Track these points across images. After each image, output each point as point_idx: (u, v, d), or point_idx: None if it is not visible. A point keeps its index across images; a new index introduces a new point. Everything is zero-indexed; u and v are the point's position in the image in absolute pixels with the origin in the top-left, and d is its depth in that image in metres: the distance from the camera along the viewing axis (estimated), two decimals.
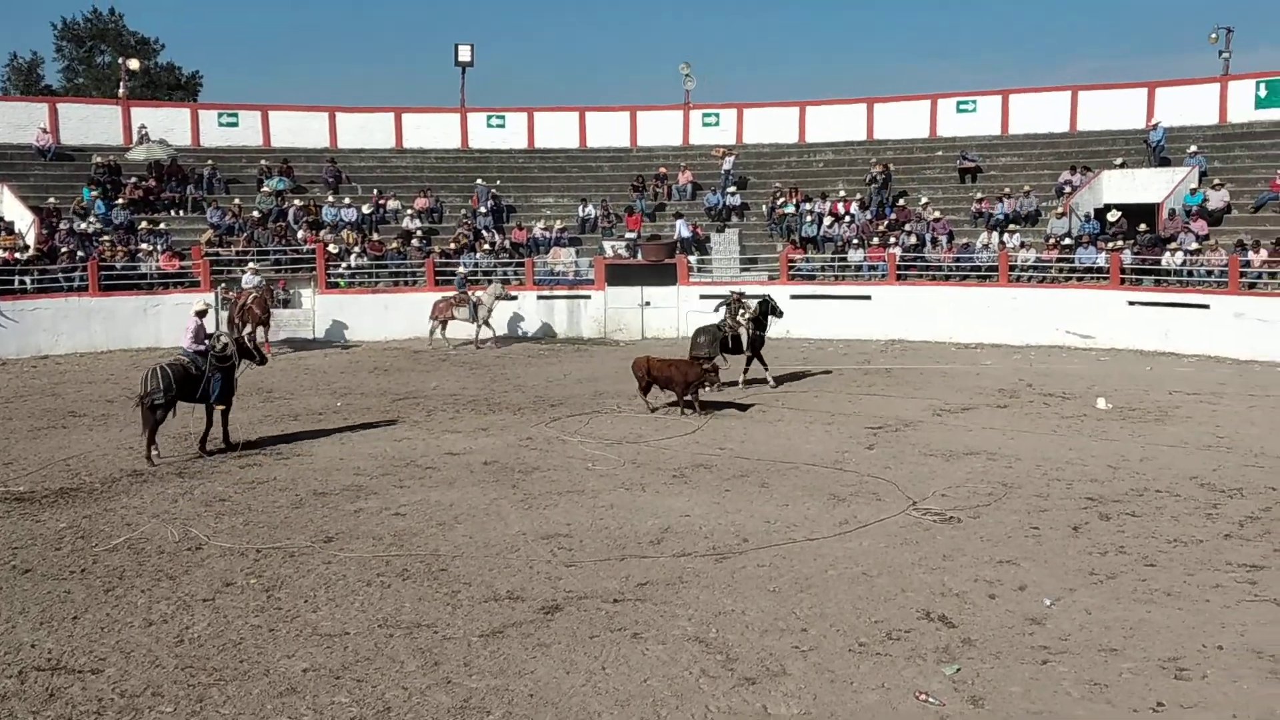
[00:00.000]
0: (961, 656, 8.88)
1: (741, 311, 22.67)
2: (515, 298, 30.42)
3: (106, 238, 30.96)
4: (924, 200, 33.43)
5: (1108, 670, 8.63)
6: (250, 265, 30.18)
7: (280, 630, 9.57)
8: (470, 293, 29.95)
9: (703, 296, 23.91)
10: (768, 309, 23.25)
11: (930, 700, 8.12)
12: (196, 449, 16.64)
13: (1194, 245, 27.94)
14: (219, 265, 31.16)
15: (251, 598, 10.37)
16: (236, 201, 33.92)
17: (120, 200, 32.91)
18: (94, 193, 33.23)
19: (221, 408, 16.93)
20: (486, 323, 29.68)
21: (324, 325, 31.17)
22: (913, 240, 31.80)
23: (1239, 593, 10.32)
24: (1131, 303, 27.60)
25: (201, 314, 17.43)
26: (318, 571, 11.15)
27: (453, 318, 29.70)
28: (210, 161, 35.73)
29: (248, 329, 26.35)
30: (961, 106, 37.67)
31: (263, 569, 11.24)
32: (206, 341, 16.94)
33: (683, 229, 33.60)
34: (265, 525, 12.86)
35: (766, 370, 22.71)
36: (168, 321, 29.56)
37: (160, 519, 13.09)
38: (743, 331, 22.47)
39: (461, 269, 31.43)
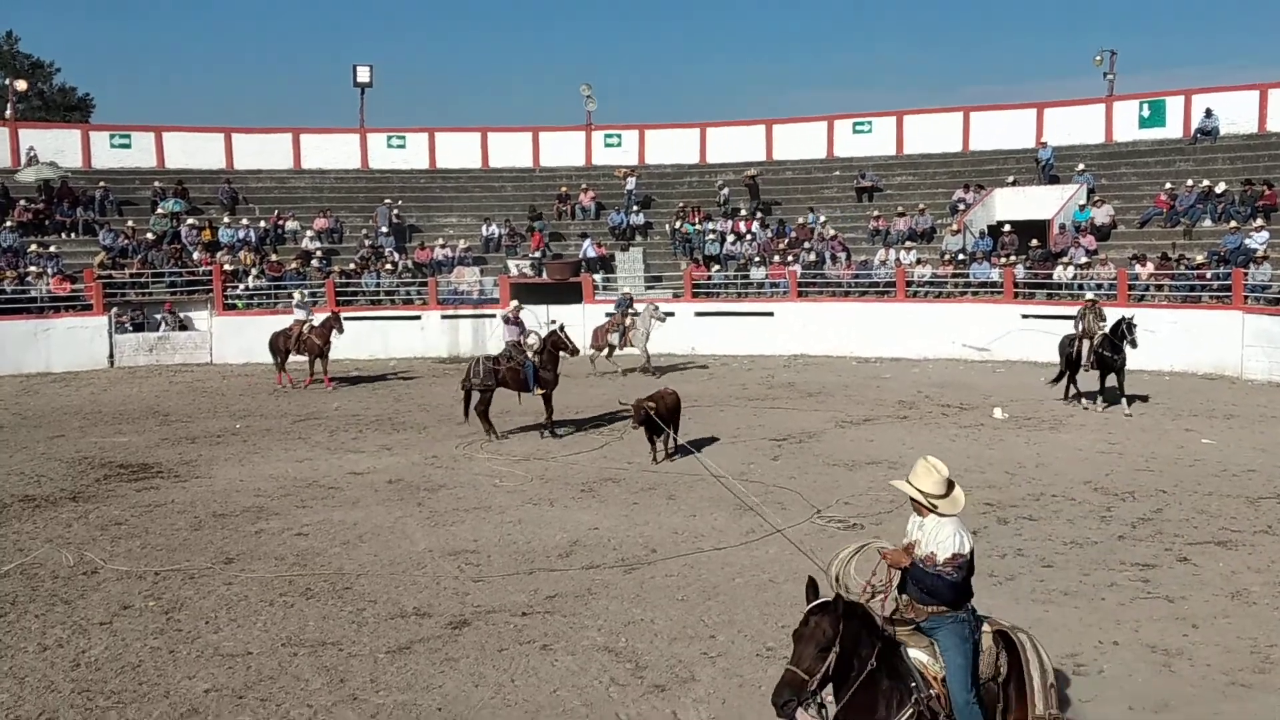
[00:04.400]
0: None
1: (1099, 321, 21.00)
2: (664, 320, 27.77)
3: None
4: (822, 219, 33.92)
5: None
6: (297, 295, 28.71)
7: (180, 652, 9.37)
8: (634, 310, 28.17)
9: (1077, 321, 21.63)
10: (1120, 331, 20.76)
11: None
12: (547, 434, 18.96)
13: (1084, 259, 28.76)
14: (112, 288, 30.45)
15: (150, 620, 10.14)
16: (130, 223, 33.20)
17: (9, 223, 32.00)
18: None
19: (541, 393, 19.07)
20: (645, 346, 27.59)
21: (221, 347, 30.68)
22: (812, 258, 32.24)
23: (1132, 591, 10.63)
24: (1025, 316, 28.27)
25: (517, 310, 20.26)
26: (219, 593, 10.94)
27: (610, 344, 28.04)
28: (102, 183, 34.93)
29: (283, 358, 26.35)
30: (858, 127, 38.40)
31: (161, 591, 10.99)
32: (520, 336, 19.62)
33: (589, 249, 33.68)
34: (164, 548, 12.58)
35: (1124, 396, 20.75)
36: (59, 345, 29.01)
37: (54, 544, 12.75)
38: (1086, 343, 20.94)
39: (624, 290, 30.14)
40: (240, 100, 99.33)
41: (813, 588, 5.98)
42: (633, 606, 10.36)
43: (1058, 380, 21.78)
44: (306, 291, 29.12)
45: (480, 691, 8.51)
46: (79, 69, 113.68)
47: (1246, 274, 25.30)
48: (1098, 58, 36.34)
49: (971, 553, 6.33)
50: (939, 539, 6.32)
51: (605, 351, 27.87)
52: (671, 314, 28.44)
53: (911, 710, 5.97)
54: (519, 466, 16.76)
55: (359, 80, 40.29)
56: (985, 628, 6.42)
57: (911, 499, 6.49)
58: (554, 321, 20.52)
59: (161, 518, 13.94)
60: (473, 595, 10.78)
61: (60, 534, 13.21)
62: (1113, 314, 21.55)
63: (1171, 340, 25.53)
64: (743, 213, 35.32)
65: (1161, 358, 25.54)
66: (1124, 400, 20.63)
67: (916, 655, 6.20)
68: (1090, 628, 9.66)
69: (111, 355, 29.82)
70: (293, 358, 26.50)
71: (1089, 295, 22.83)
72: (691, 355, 30.40)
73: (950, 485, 6.46)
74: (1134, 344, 20.70)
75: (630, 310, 28.03)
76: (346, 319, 30.49)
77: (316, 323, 26.51)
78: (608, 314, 28.91)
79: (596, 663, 9.01)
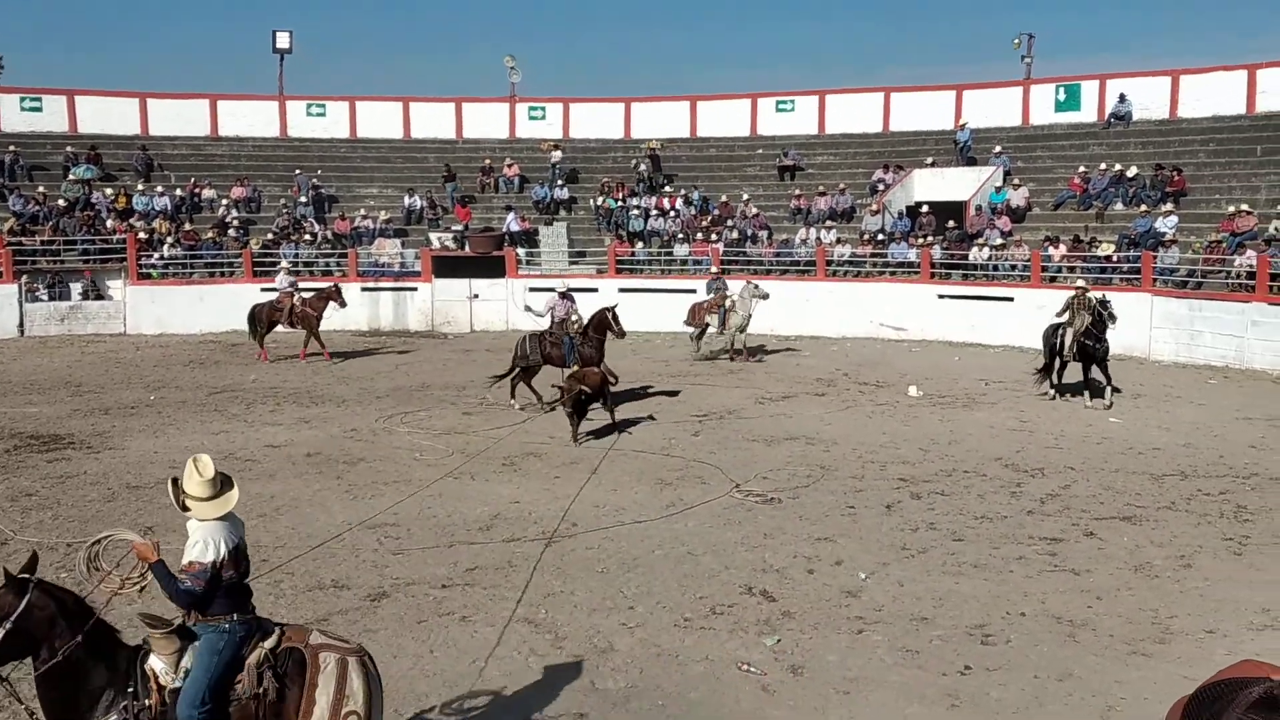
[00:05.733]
0: (782, 628, 9.18)
1: (1082, 309, 19.63)
2: (767, 297, 25.38)
3: None
4: (745, 196, 34.11)
5: (919, 638, 9.05)
6: (284, 265, 27.81)
7: None
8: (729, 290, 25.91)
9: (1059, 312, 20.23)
10: (1099, 315, 19.58)
11: (752, 670, 8.38)
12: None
13: (999, 241, 29.28)
14: (22, 255, 29.72)
15: None
16: (41, 189, 32.38)
17: None
18: None
19: (575, 368, 18.31)
20: (743, 329, 25.31)
21: (135, 317, 30.12)
22: (735, 235, 32.43)
23: (1040, 564, 10.93)
24: (941, 296, 28.77)
25: (563, 294, 20.04)
26: (133, 564, 10.77)
27: (708, 324, 25.78)
28: (12, 148, 34.01)
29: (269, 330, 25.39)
30: (780, 106, 38.61)
31: (74, 564, 10.78)
32: (568, 313, 19.69)
33: (512, 222, 33.52)
34: (76, 519, 12.39)
35: (1108, 386, 19.64)
36: None
37: None
38: (1069, 333, 19.67)
39: (714, 269, 28.21)
40: (156, 64, 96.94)
41: (33, 561, 5.83)
42: (553, 579, 10.43)
43: (1043, 372, 20.33)
44: (286, 264, 28.23)
45: (399, 663, 8.52)
46: None
47: (1155, 257, 25.94)
48: (1016, 41, 36.92)
49: (216, 564, 5.91)
50: (189, 542, 6.03)
51: (702, 331, 25.89)
52: (768, 295, 25.55)
53: (118, 716, 5.73)
54: (440, 440, 16.72)
55: (278, 46, 39.61)
56: (267, 644, 5.99)
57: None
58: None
59: (74, 489, 13.73)
60: (392, 568, 10.77)
61: None
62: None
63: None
64: (666, 189, 35.37)
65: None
66: (1106, 390, 19.59)
67: (154, 663, 5.87)
68: (999, 599, 9.93)
69: (21, 324, 29.15)
70: (281, 330, 25.65)
71: (1079, 282, 21.33)
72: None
73: (220, 487, 6.09)
74: (1113, 318, 19.66)
75: (721, 288, 26.00)
76: (264, 290, 30.01)
77: (308, 295, 25.60)
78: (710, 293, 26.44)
79: (516, 634, 9.08)
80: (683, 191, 35.09)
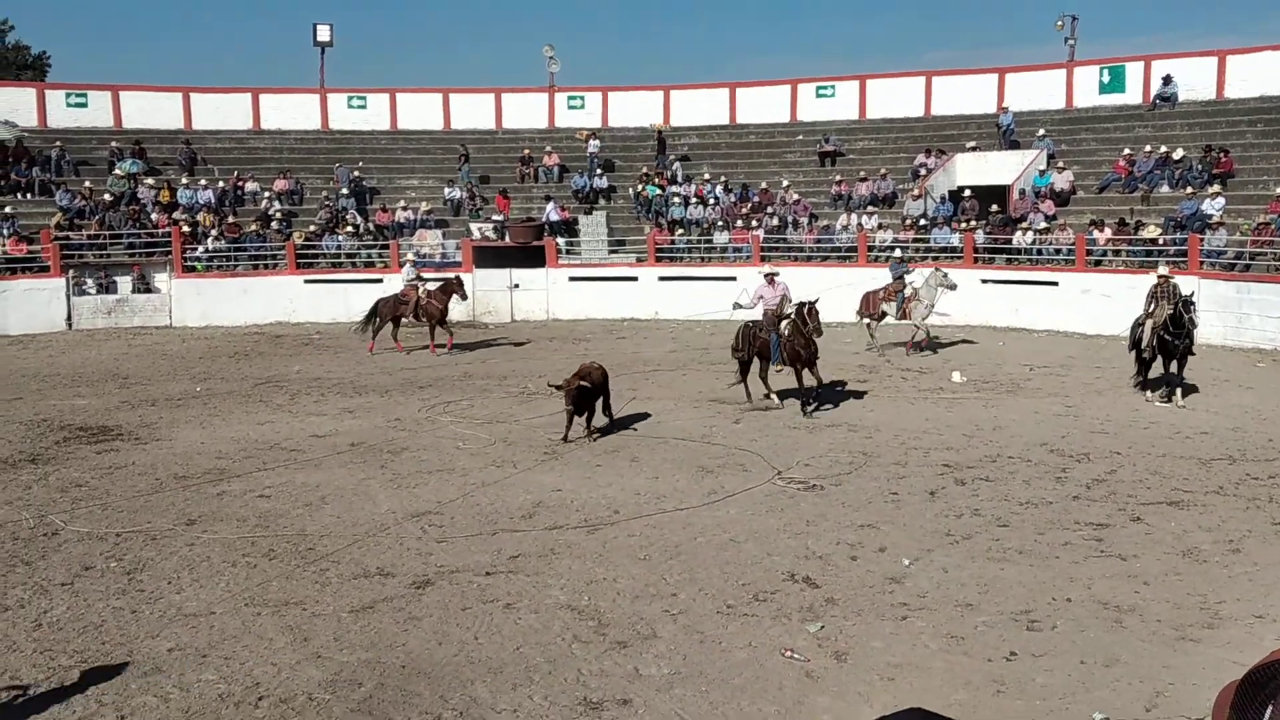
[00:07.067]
0: (825, 615, 9.15)
1: (1163, 298, 18.09)
2: (955, 287, 23.75)
3: None
4: (785, 183, 33.98)
5: (964, 624, 8.99)
6: (409, 257, 28.05)
7: (143, 611, 9.38)
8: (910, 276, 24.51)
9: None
10: (1181, 310, 17.83)
11: (796, 656, 8.36)
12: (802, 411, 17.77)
13: (1043, 225, 28.99)
14: (69, 249, 30.11)
15: (112, 581, 10.14)
16: (87, 184, 32.77)
17: None
18: None
19: (779, 369, 18.20)
20: (924, 321, 23.96)
21: (181, 310, 30.44)
22: (775, 222, 32.32)
23: (1086, 549, 10.82)
24: (984, 281, 28.50)
25: (769, 277, 18.89)
26: (181, 554, 10.94)
27: (884, 314, 24.45)
28: (59, 143, 34.43)
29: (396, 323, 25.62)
30: (821, 91, 38.38)
31: (123, 552, 10.98)
32: (778, 304, 18.30)
33: (552, 212, 33.58)
34: (125, 510, 12.55)
35: (1178, 387, 18.28)
36: (15, 307, 28.70)
37: (14, 505, 12.70)
38: (1147, 326, 18.28)
39: (898, 251, 26.89)
40: (199, 59, 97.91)
41: None
42: (595, 566, 10.45)
43: (1138, 372, 19.06)
44: (414, 254, 28.37)
45: (444, 649, 8.59)
46: (34, 26, 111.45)
47: (1202, 239, 25.59)
48: (1059, 23, 36.50)
49: None
50: None
51: (879, 318, 24.63)
52: (955, 285, 23.88)
53: None
54: (482, 429, 16.79)
55: (319, 39, 39.95)
56: None
57: None
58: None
59: (122, 480, 13.90)
60: (436, 555, 10.83)
61: (19, 496, 13.15)
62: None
63: (1128, 305, 25.74)
64: (704, 175, 35.31)
65: (1119, 323, 25.78)
66: (1176, 389, 18.19)
67: None
68: (1044, 585, 9.84)
69: (69, 318, 29.54)
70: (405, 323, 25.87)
71: (1161, 270, 19.16)
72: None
73: None
74: (1193, 323, 18.07)
75: (904, 274, 24.60)
76: (307, 281, 30.37)
77: (432, 288, 25.70)
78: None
79: (559, 620, 9.11)
80: (723, 178, 35.00)
